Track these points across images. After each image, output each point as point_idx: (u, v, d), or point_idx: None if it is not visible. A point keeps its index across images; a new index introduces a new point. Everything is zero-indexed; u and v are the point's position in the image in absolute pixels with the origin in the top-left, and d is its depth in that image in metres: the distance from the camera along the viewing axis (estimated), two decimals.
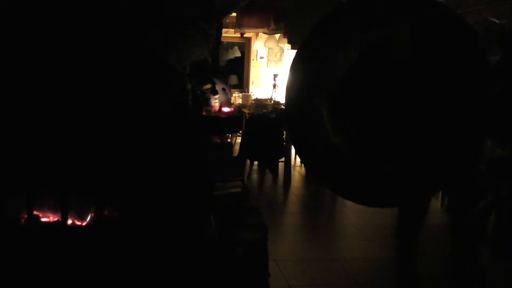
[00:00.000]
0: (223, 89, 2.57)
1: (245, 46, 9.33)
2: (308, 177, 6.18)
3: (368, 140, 1.51)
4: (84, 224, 1.88)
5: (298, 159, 6.63)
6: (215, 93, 2.38)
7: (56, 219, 1.86)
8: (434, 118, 1.46)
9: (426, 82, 1.45)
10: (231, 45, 9.32)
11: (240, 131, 6.62)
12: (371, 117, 1.48)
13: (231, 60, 9.39)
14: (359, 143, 1.53)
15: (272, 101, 7.10)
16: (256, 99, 7.35)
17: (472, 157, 1.58)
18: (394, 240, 2.91)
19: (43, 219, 1.87)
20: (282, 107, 6.28)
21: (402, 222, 2.86)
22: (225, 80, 3.01)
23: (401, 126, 1.46)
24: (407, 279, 2.75)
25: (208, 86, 2.33)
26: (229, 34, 8.37)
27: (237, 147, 6.49)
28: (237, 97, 8.45)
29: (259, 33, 8.12)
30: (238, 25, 6.80)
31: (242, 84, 9.36)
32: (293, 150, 5.76)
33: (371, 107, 1.47)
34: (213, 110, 2.38)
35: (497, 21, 3.16)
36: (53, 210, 1.86)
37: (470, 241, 2.85)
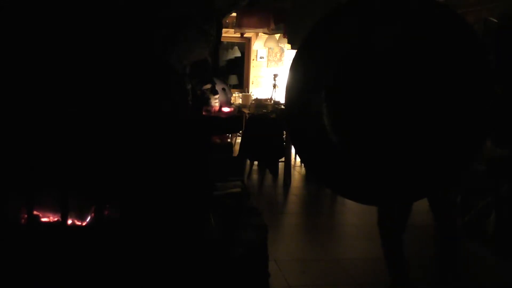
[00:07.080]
0: (223, 89, 2.57)
1: (245, 46, 9.33)
2: (308, 177, 6.17)
3: (368, 139, 1.51)
4: (84, 224, 1.88)
5: (298, 159, 6.63)
6: (215, 93, 2.38)
7: (56, 219, 1.86)
8: (433, 117, 1.46)
9: (426, 81, 1.46)
10: (231, 45, 9.32)
11: (240, 131, 6.61)
12: (370, 115, 1.48)
13: (231, 60, 9.38)
14: (359, 141, 1.53)
15: (272, 101, 7.09)
16: (256, 99, 7.34)
17: (473, 156, 1.58)
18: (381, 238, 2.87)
19: (43, 219, 1.87)
20: (282, 107, 6.28)
21: (382, 221, 2.84)
22: (225, 80, 3.01)
23: (400, 125, 1.47)
24: (398, 279, 2.73)
25: (208, 86, 2.33)
26: (229, 34, 8.36)
27: (237, 147, 6.49)
28: (237, 97, 8.44)
29: (259, 33, 8.12)
30: (238, 25, 6.80)
31: (242, 84, 9.35)
32: (293, 150, 5.76)
33: (371, 106, 1.48)
34: (213, 110, 2.38)
35: (497, 21, 3.16)
36: (53, 210, 1.86)
37: (452, 239, 2.81)
